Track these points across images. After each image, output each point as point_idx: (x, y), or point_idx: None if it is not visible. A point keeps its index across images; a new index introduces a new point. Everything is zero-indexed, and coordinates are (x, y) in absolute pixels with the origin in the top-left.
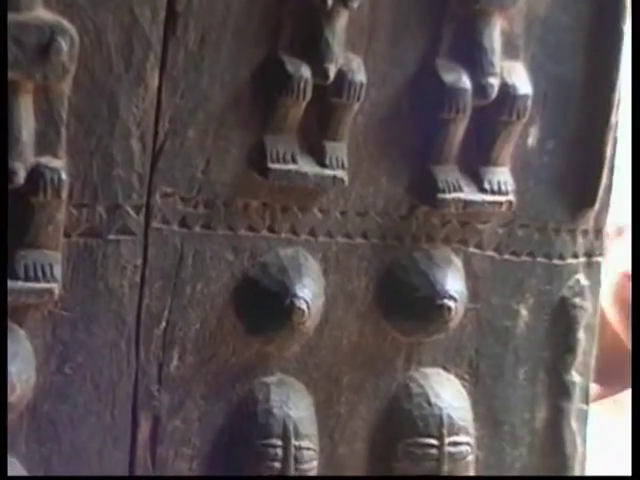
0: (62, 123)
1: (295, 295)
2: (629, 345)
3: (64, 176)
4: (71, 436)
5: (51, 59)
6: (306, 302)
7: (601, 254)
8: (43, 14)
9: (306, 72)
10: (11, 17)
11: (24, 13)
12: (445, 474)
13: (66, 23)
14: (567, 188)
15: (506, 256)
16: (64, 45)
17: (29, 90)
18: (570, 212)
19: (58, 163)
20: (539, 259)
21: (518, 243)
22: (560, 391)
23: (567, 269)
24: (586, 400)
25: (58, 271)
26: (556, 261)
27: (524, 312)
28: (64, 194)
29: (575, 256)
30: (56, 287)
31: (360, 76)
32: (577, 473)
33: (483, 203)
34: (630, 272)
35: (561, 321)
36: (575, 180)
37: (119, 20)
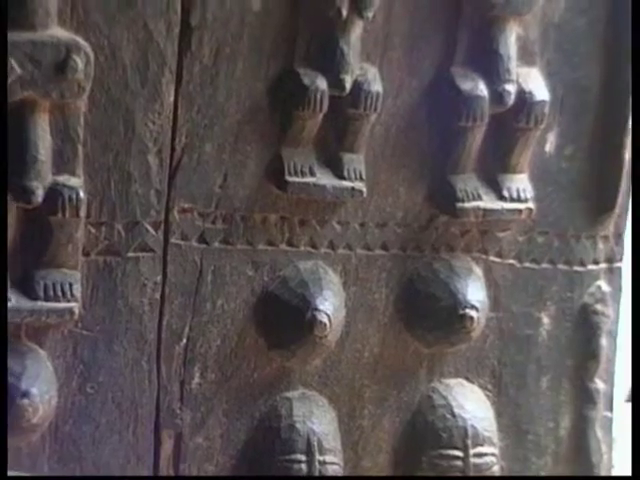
0: (79, 141)
1: (316, 308)
2: None
3: (82, 194)
4: (93, 455)
5: (67, 77)
6: (327, 315)
7: (622, 259)
8: (58, 32)
9: (322, 84)
10: (26, 36)
11: (39, 32)
12: None
13: (81, 41)
14: (586, 193)
15: (526, 264)
16: (80, 63)
17: (45, 109)
18: (590, 218)
19: (76, 181)
20: (560, 266)
21: (538, 250)
22: (584, 399)
23: (588, 276)
24: (610, 407)
25: (78, 290)
26: (577, 268)
27: (546, 320)
28: (82, 212)
29: (596, 262)
30: (76, 306)
31: (376, 86)
32: None
33: (503, 211)
34: None
35: (583, 328)
36: (594, 185)
37: (134, 36)
